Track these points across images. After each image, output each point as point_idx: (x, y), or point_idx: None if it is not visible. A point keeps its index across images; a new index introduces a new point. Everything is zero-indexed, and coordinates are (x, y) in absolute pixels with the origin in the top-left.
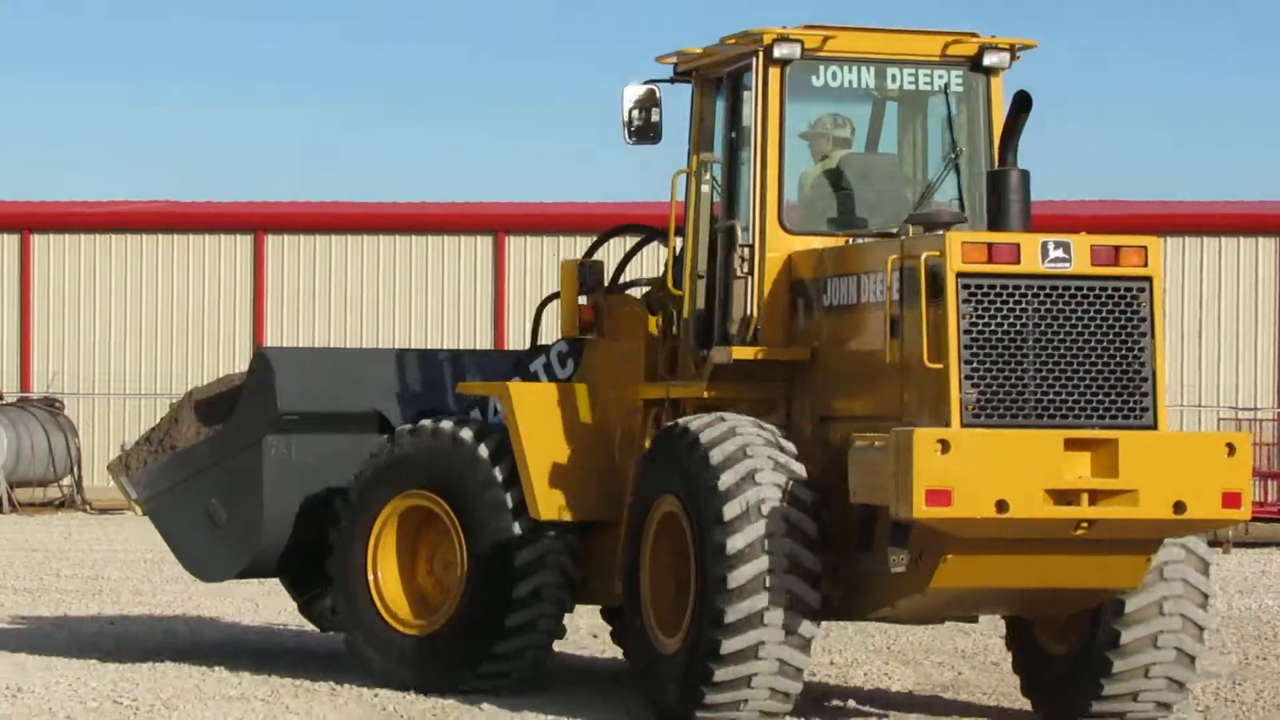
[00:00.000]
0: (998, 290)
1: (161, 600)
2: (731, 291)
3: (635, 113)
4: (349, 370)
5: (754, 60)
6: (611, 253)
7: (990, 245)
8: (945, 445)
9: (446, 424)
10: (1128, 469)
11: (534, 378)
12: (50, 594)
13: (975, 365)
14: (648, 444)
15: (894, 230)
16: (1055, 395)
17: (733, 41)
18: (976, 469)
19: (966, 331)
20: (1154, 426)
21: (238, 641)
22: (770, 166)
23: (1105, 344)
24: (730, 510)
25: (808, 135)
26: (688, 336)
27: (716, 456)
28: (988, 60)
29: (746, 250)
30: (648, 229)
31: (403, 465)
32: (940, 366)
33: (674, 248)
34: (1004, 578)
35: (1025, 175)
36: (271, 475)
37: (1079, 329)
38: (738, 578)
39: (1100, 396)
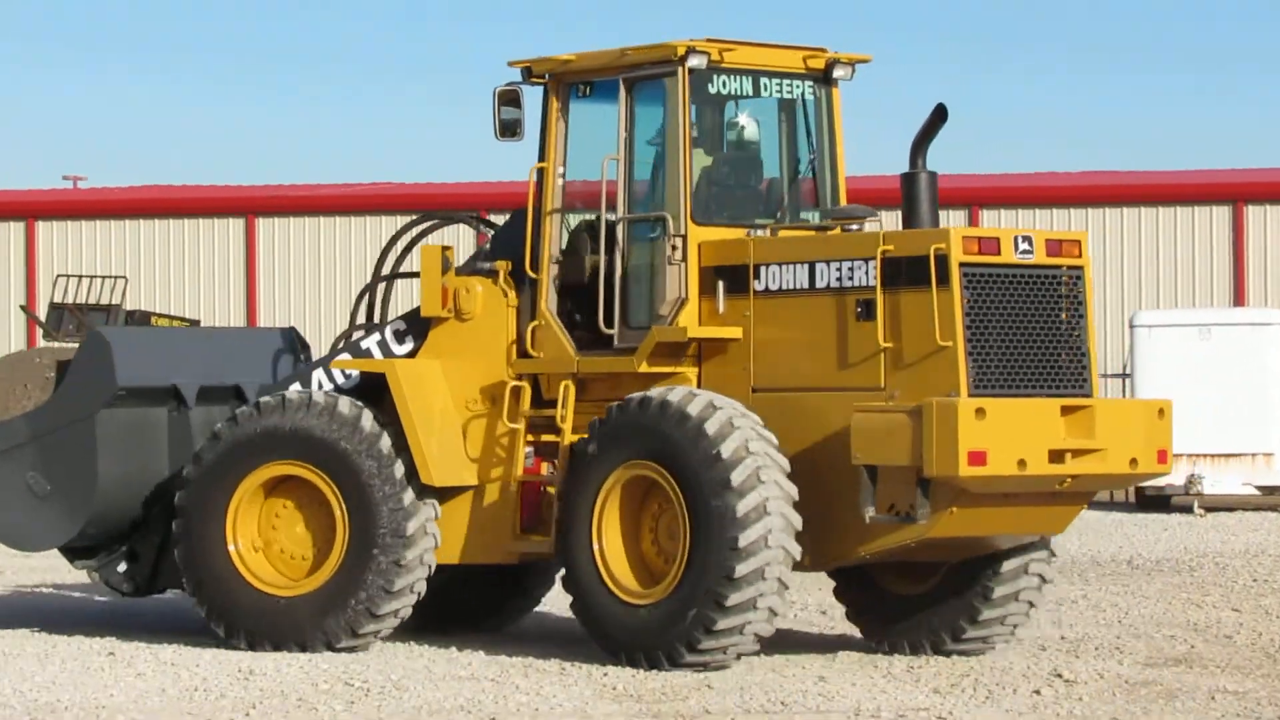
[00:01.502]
0: (987, 278)
1: None
2: (660, 276)
3: (503, 111)
4: (170, 348)
5: (676, 69)
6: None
7: (980, 239)
8: (981, 412)
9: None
10: (1101, 431)
11: (367, 354)
12: None
13: (975, 343)
14: (559, 412)
15: (816, 221)
16: (1031, 367)
17: (634, 52)
18: (1003, 432)
19: (968, 313)
20: (1090, 395)
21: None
22: (686, 165)
23: (1056, 322)
24: (737, 476)
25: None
26: (600, 316)
27: (711, 427)
28: (835, 73)
29: (679, 240)
30: (452, 214)
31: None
32: (950, 344)
33: (530, 235)
34: (985, 526)
35: (933, 177)
36: (105, 447)
37: (1039, 310)
38: (748, 537)
39: (1056, 368)
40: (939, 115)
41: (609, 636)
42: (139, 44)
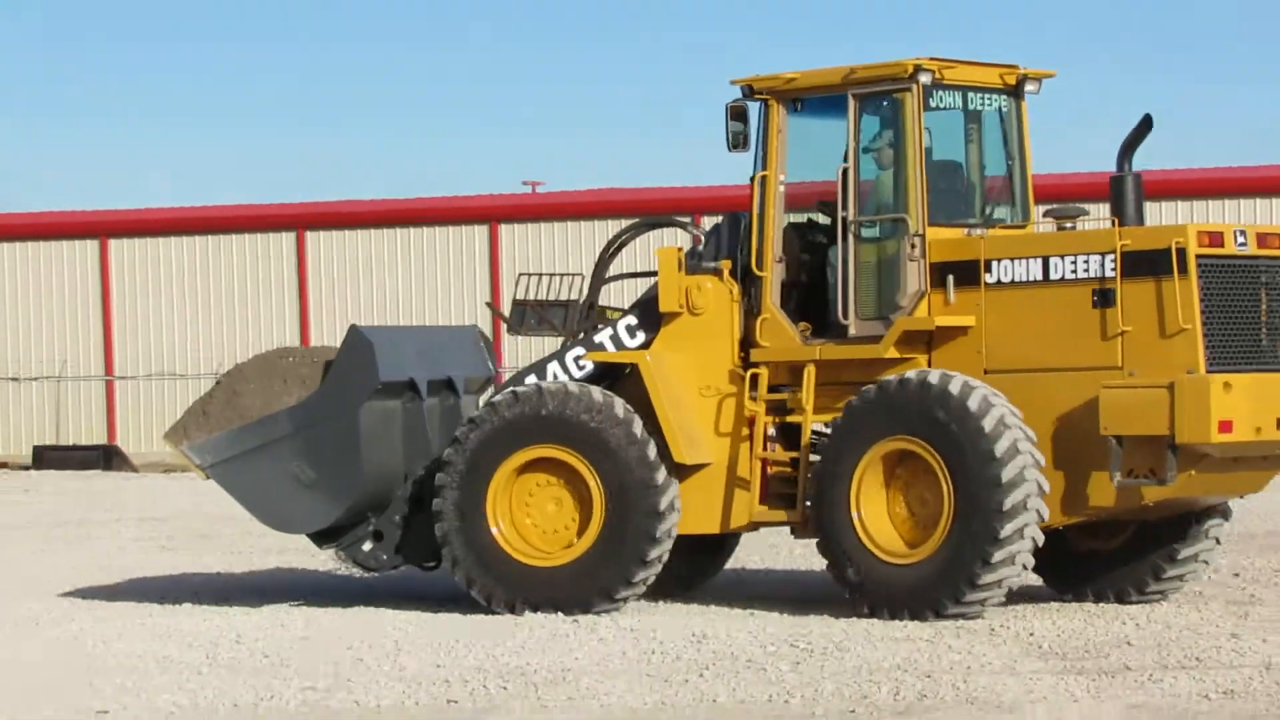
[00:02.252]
0: (1217, 268)
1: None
2: (899, 271)
3: (732, 125)
4: (403, 345)
5: (910, 85)
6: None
7: (1209, 233)
8: (1229, 386)
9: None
10: None
11: (601, 347)
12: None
13: (1210, 325)
14: (804, 395)
15: (1017, 222)
16: (1251, 345)
17: (864, 70)
18: (1244, 403)
19: (1203, 299)
20: None
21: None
22: (921, 171)
23: (1266, 306)
24: (999, 448)
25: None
26: (837, 309)
27: (973, 404)
28: (1026, 88)
29: (917, 239)
30: (666, 219)
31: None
32: (1190, 326)
33: (756, 237)
34: (1213, 488)
35: (1139, 178)
36: (366, 437)
37: (1253, 294)
38: (1012, 500)
39: (1265, 346)
40: (1145, 124)
41: (873, 594)
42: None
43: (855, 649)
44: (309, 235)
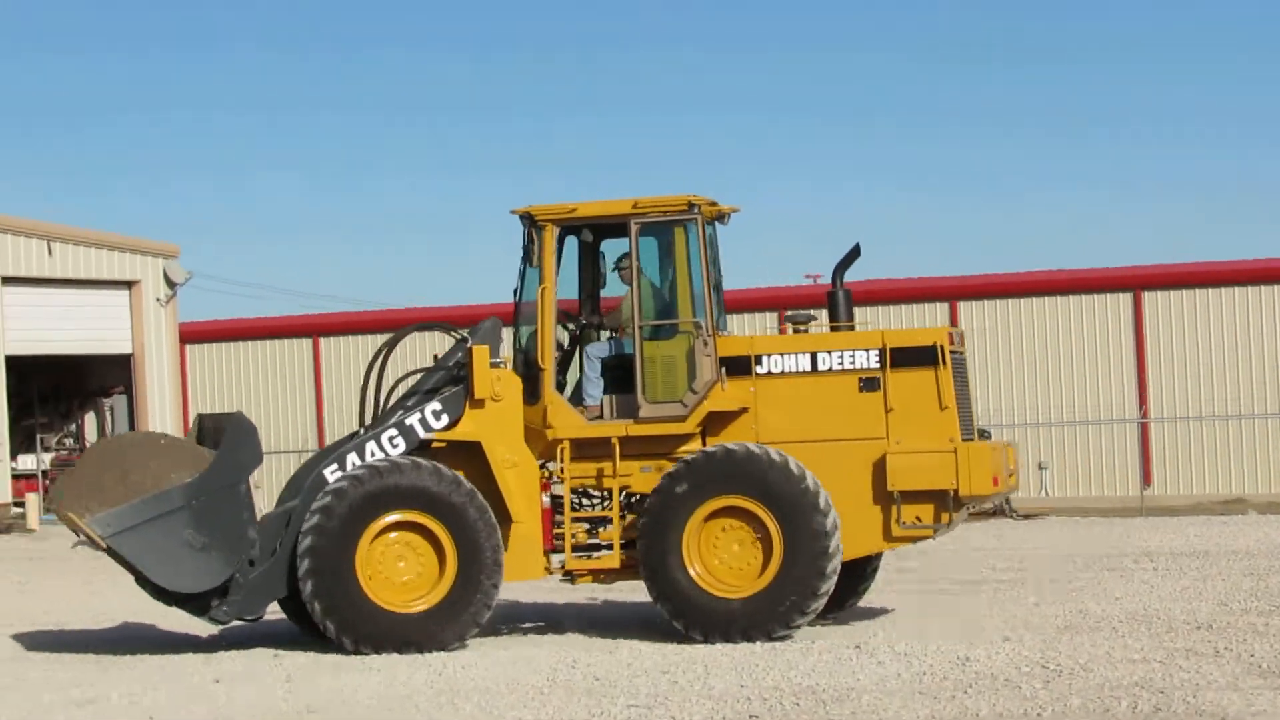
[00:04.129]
0: (956, 361)
1: (1079, 585)
2: (693, 364)
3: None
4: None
5: (695, 215)
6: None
7: (950, 333)
8: (995, 449)
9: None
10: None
11: (411, 430)
12: (988, 584)
13: (960, 404)
14: (617, 467)
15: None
16: (971, 420)
17: (654, 204)
18: (993, 462)
19: (955, 384)
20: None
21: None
22: (709, 283)
23: (965, 391)
24: (821, 504)
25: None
26: (646, 393)
27: (794, 469)
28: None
29: (710, 339)
30: (442, 325)
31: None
32: (950, 406)
33: (542, 336)
34: (951, 528)
35: (849, 292)
36: (249, 506)
37: (964, 382)
38: (833, 544)
39: (970, 423)
40: (855, 251)
41: (704, 623)
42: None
43: (1098, 669)
44: None
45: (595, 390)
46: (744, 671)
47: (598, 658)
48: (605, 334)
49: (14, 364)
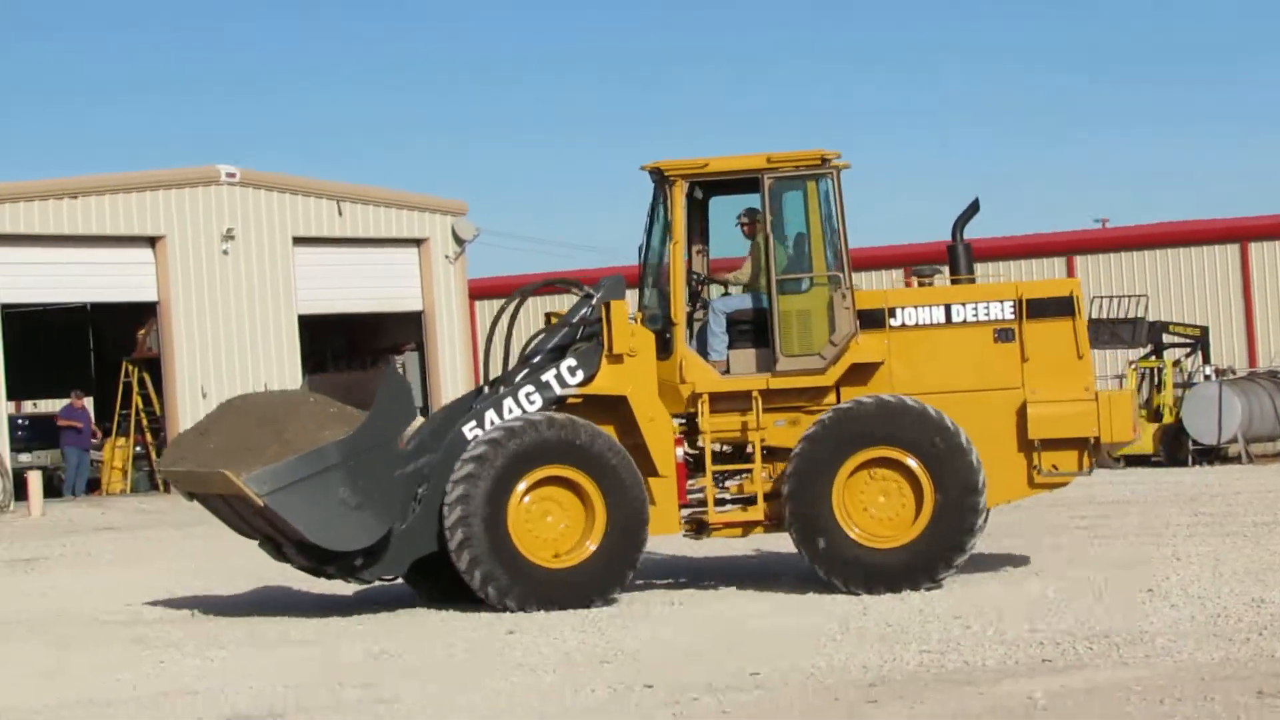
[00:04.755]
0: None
1: None
2: (837, 316)
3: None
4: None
5: (830, 169)
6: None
7: (1075, 285)
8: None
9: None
10: None
11: (548, 385)
12: None
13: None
14: (759, 420)
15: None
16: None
17: (787, 158)
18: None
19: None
20: None
21: None
22: (846, 239)
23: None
24: (974, 457)
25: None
26: (781, 347)
27: (948, 423)
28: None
29: (848, 291)
30: (566, 282)
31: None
32: (1085, 357)
33: (671, 294)
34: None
35: (969, 246)
36: (402, 464)
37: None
38: (982, 496)
39: None
40: (974, 206)
41: (853, 574)
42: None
43: None
44: None
45: (720, 345)
46: (1036, 616)
47: (888, 604)
48: (728, 289)
49: (306, 323)
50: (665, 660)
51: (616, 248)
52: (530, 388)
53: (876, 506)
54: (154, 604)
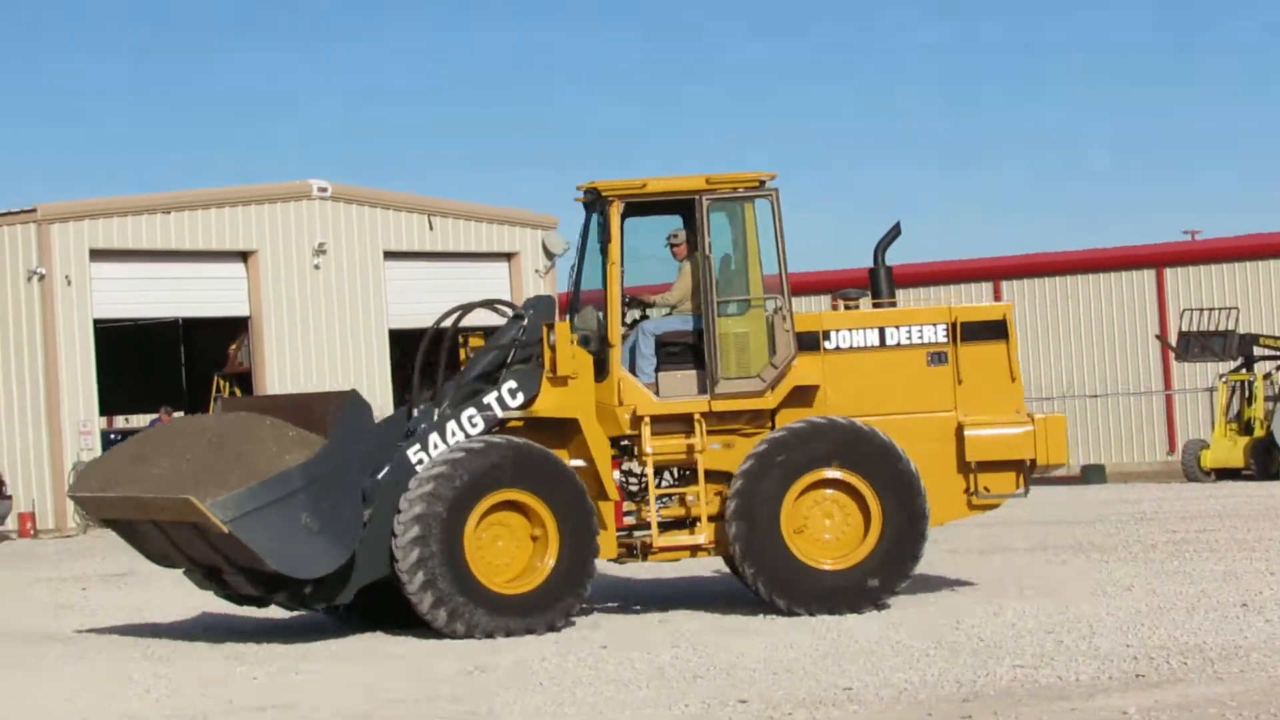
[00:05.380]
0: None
1: None
2: (777, 339)
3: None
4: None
5: (771, 192)
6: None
7: (1005, 309)
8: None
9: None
10: None
11: (489, 408)
12: None
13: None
14: (702, 442)
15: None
16: None
17: (727, 180)
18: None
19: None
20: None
21: None
22: (785, 260)
23: None
24: (918, 479)
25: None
26: (720, 369)
27: (895, 446)
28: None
29: (788, 314)
30: (487, 301)
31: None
32: (1016, 380)
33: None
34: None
35: (890, 270)
36: (359, 489)
37: None
38: (926, 518)
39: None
40: (895, 230)
41: (803, 596)
42: None
43: None
44: None
45: (649, 367)
46: (1129, 630)
47: (980, 619)
48: (645, 312)
49: (396, 337)
50: (758, 676)
51: None
52: (472, 410)
53: (822, 528)
54: (245, 617)
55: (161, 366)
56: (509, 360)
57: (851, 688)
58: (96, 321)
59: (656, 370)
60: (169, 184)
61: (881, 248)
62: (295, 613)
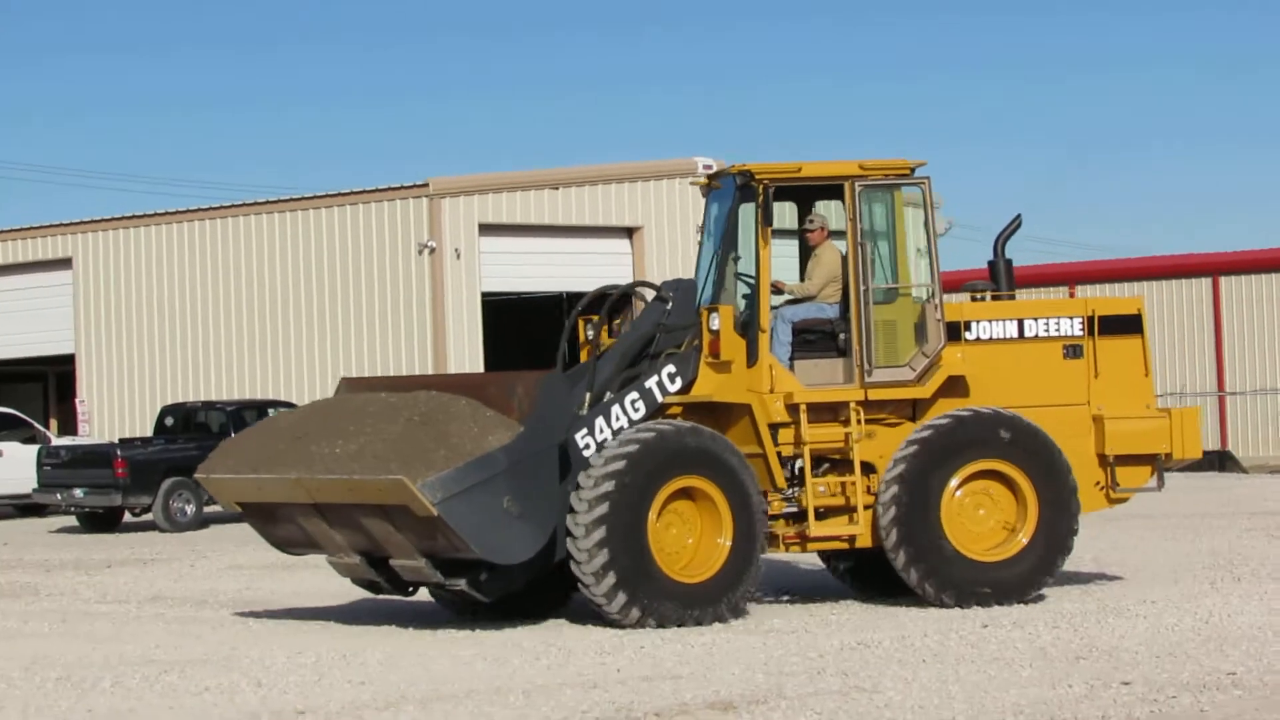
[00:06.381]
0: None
1: None
2: (928, 328)
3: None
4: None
5: (922, 179)
6: None
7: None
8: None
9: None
10: None
11: (650, 392)
12: None
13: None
14: (859, 430)
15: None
16: None
17: (879, 166)
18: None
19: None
20: None
21: None
22: (936, 250)
23: None
24: (1071, 472)
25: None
26: (869, 359)
27: (1049, 437)
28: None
29: (939, 304)
30: (629, 285)
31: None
32: (1149, 375)
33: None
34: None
35: (1009, 262)
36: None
37: None
38: (1077, 507)
39: None
40: (1016, 222)
41: (962, 589)
42: None
43: None
44: None
45: (784, 354)
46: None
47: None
48: (783, 298)
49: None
50: (1140, 658)
51: None
52: (635, 394)
53: (977, 519)
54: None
55: (543, 341)
56: (652, 344)
57: (1235, 672)
58: (484, 295)
59: (791, 358)
60: (553, 160)
61: (1002, 240)
62: (406, 598)
